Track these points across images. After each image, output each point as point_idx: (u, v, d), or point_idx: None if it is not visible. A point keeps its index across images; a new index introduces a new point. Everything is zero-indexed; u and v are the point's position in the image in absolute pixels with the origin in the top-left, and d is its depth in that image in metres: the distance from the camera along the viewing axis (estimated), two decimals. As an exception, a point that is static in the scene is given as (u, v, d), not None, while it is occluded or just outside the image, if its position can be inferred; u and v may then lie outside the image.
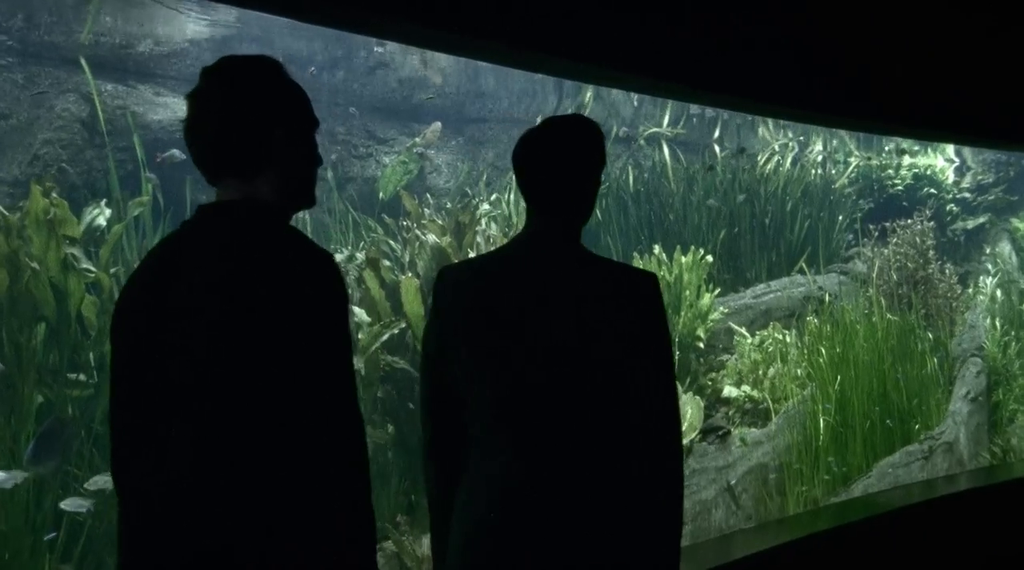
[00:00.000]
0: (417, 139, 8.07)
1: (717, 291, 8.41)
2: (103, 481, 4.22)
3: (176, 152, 6.95)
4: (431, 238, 5.76)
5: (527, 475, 1.96)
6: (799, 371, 8.38)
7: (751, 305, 9.05)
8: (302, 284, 1.61)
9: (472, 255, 5.75)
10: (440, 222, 6.07)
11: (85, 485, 4.25)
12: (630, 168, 9.30)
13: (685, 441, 7.19)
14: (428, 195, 7.43)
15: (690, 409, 7.25)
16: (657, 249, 8.38)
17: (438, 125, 8.34)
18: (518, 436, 1.98)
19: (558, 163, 2.09)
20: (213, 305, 1.57)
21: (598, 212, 8.61)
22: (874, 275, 10.11)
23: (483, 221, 6.56)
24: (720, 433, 7.55)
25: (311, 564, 1.58)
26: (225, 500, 1.56)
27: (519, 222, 6.91)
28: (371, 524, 1.67)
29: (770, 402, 7.95)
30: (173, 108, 6.69)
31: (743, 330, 8.68)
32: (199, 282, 1.60)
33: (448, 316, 2.09)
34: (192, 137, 1.75)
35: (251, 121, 1.73)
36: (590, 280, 2.03)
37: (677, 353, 7.89)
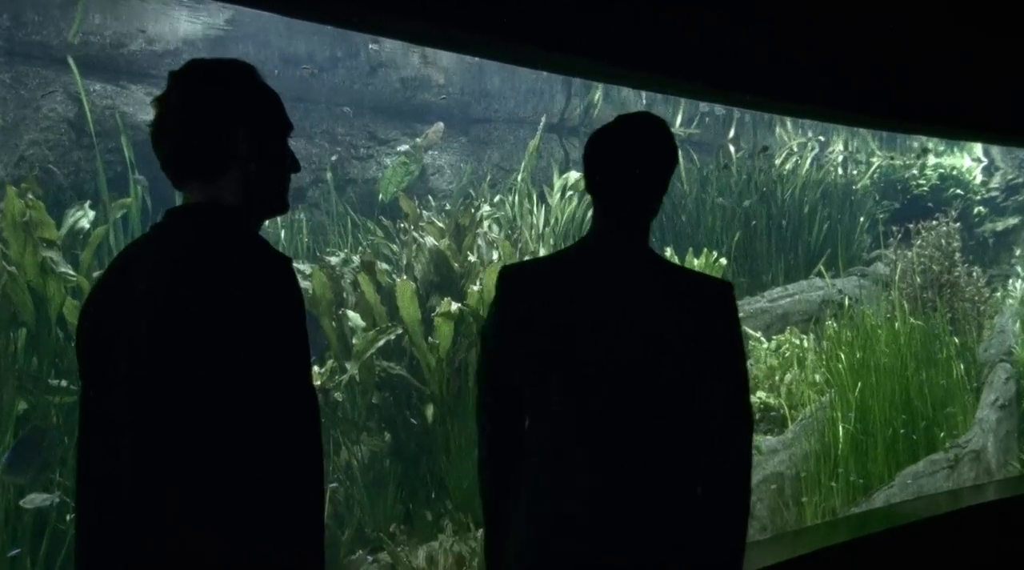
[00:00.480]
0: (418, 139, 7.92)
1: (731, 294, 8.19)
2: (40, 499, 4.10)
3: None
4: (429, 241, 5.64)
5: (596, 482, 1.96)
6: (817, 377, 8.16)
7: (767, 309, 8.84)
8: (252, 286, 1.61)
9: (472, 259, 5.66)
10: (439, 224, 5.94)
11: (22, 502, 4.13)
12: (641, 169, 9.06)
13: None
14: (430, 197, 7.28)
15: (702, 416, 7.03)
16: (669, 252, 8.21)
17: (440, 125, 8.19)
18: (585, 443, 1.98)
19: (629, 164, 2.06)
20: (159, 307, 1.57)
21: (607, 214, 8.36)
22: (897, 278, 9.87)
23: (485, 223, 6.42)
24: (734, 441, 7.33)
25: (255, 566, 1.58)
26: (168, 501, 1.55)
27: (523, 224, 6.76)
28: (320, 532, 1.67)
29: (786, 409, 7.75)
30: None
31: (759, 335, 8.48)
32: (151, 283, 1.60)
33: (511, 319, 2.07)
34: (157, 140, 1.77)
35: (212, 123, 1.73)
36: (659, 286, 2.03)
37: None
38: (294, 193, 7.98)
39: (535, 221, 6.79)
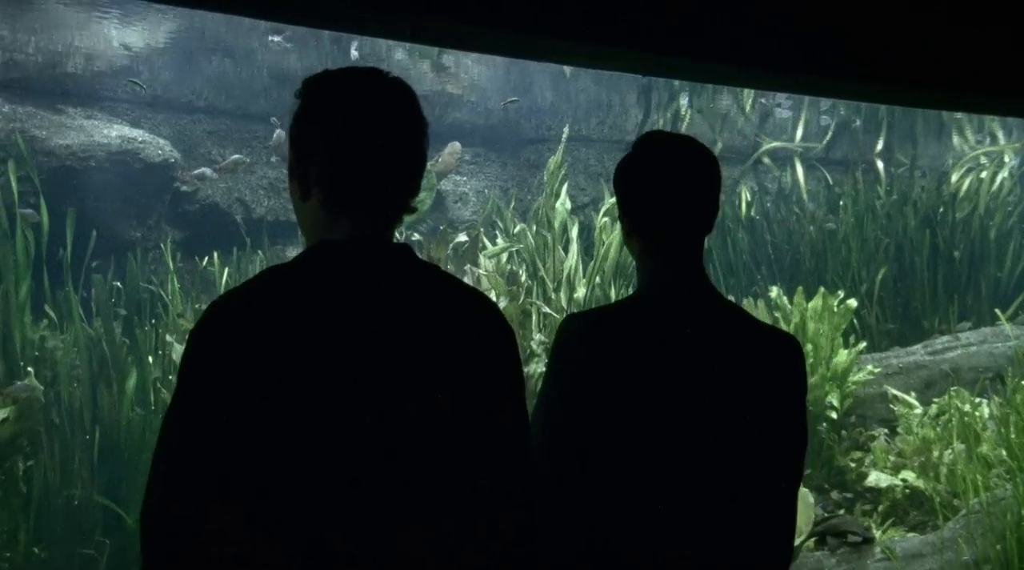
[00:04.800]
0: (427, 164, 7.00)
1: (862, 345, 6.67)
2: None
3: (208, 171, 6.48)
4: None
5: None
6: (1004, 454, 6.45)
7: (925, 363, 7.22)
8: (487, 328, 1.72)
9: None
10: None
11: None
12: (744, 191, 7.72)
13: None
14: (443, 228, 6.34)
15: (793, 503, 5.53)
16: (775, 291, 6.79)
17: (457, 146, 7.29)
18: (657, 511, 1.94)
19: (675, 195, 1.98)
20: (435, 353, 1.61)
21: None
22: None
23: (486, 259, 5.40)
24: (852, 539, 5.72)
25: None
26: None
27: (538, 258, 5.61)
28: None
29: (942, 497, 6.10)
30: (89, 131, 6.19)
31: (910, 397, 6.83)
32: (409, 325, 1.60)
33: (574, 372, 1.97)
34: (371, 155, 1.62)
35: (424, 151, 1.72)
36: (728, 339, 1.98)
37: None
38: (286, 227, 7.43)
39: (561, 254, 5.63)
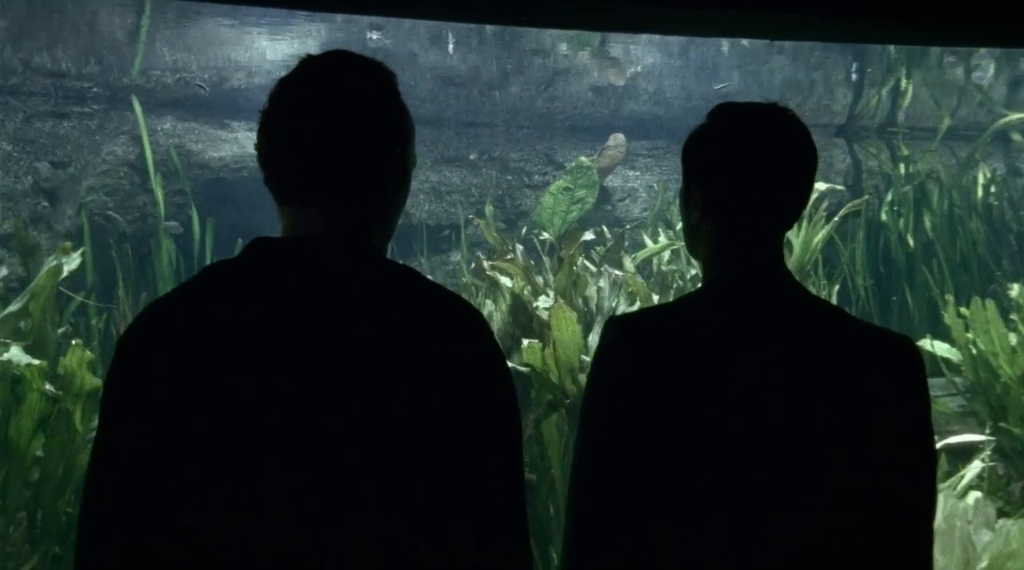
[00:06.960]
0: (584, 158, 6.54)
1: None
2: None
3: None
4: (504, 282, 4.60)
5: None
6: None
7: None
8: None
9: (544, 305, 4.43)
10: (519, 261, 4.81)
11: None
12: (982, 172, 6.55)
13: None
14: (605, 228, 5.91)
15: (1015, 544, 4.52)
16: (1016, 289, 5.72)
17: (620, 138, 6.75)
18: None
19: (769, 171, 1.71)
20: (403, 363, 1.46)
21: (910, 239, 6.14)
22: None
23: (626, 259, 5.02)
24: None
25: None
26: None
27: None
28: None
29: None
30: (242, 143, 6.34)
31: None
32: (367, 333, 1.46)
33: (616, 388, 1.70)
34: (317, 139, 1.50)
35: (398, 135, 1.58)
36: (834, 345, 1.68)
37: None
38: (446, 231, 7.27)
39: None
